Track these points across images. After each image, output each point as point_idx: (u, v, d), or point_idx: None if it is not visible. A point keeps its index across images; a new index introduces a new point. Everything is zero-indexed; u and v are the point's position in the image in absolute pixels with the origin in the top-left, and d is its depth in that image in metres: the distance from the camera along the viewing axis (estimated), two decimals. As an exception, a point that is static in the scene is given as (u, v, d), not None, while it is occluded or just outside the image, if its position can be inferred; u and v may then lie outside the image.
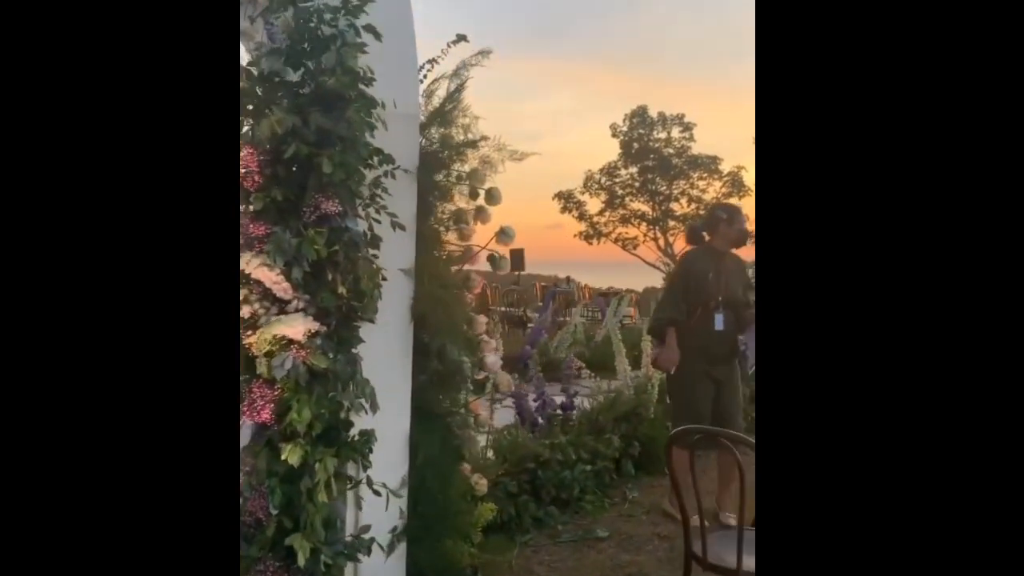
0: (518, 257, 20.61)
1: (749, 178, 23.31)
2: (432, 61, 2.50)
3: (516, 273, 20.35)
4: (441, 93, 2.57)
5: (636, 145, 24.87)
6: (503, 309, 11.49)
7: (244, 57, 1.98)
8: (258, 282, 1.77)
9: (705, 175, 25.05)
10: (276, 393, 1.72)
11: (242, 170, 1.74)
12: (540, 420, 3.69)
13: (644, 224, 25.45)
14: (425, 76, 2.51)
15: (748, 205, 16.50)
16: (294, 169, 1.81)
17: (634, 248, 25.68)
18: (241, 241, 1.77)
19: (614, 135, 24.89)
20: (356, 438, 1.87)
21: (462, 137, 2.61)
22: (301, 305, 1.79)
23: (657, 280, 26.55)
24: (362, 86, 1.85)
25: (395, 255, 2.14)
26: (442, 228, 2.66)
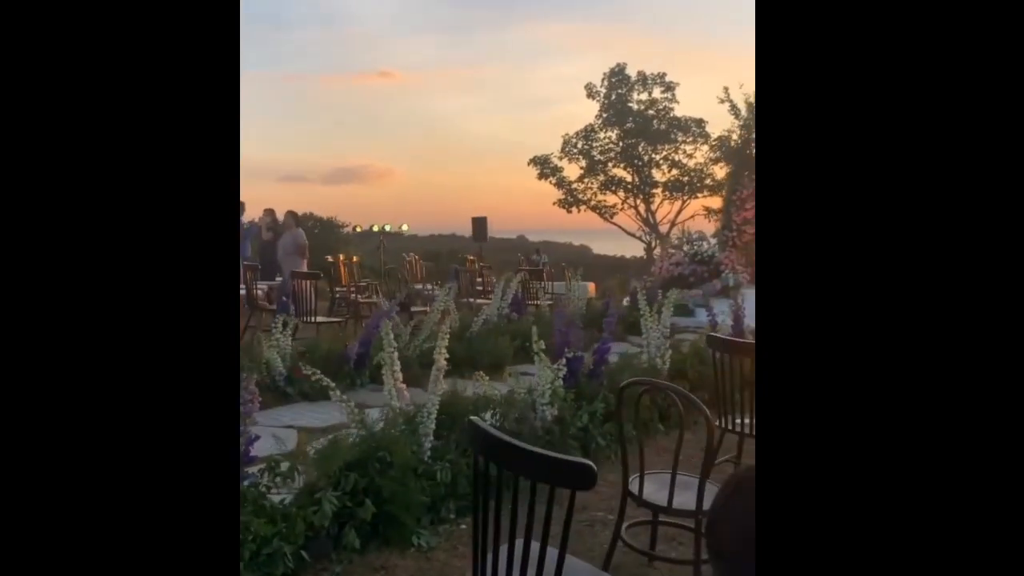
0: (481, 226, 19.48)
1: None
2: None
3: (479, 244, 19.18)
4: None
5: (617, 106, 23.35)
6: (419, 288, 10.20)
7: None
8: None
9: (691, 139, 23.54)
10: None
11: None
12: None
13: (622, 191, 24.03)
14: None
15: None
16: None
17: (611, 216, 24.30)
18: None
19: (590, 96, 23.35)
20: None
21: None
22: None
23: (637, 249, 25.28)
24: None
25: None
26: None
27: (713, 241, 11.72)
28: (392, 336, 3.46)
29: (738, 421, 3.38)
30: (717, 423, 3.49)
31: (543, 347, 3.89)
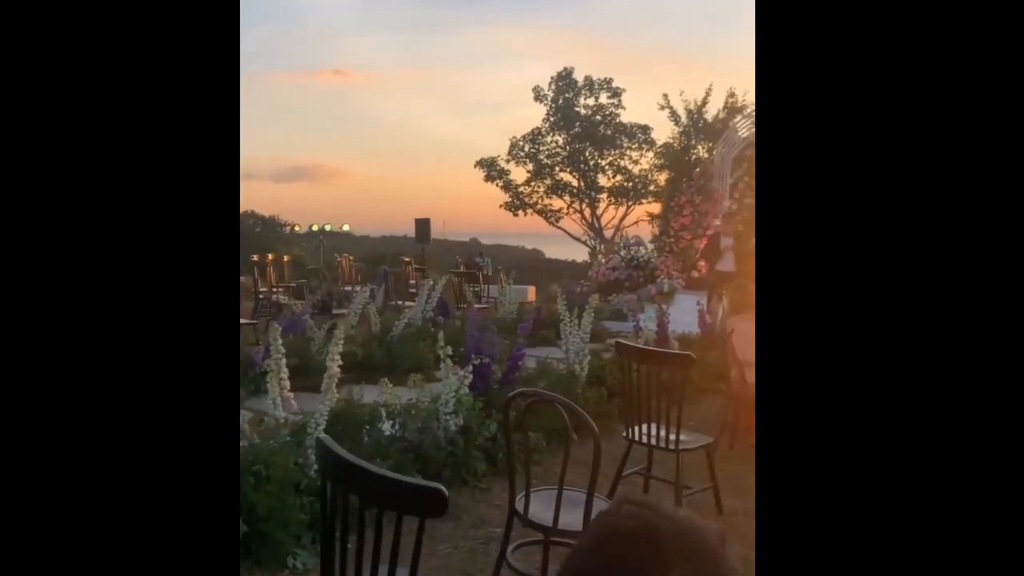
0: (423, 227, 19.19)
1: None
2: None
3: (422, 246, 18.89)
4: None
5: (564, 110, 23.36)
6: (348, 289, 9.87)
7: None
8: None
9: (636, 145, 23.70)
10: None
11: None
12: None
13: (568, 195, 24.05)
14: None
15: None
16: None
17: (557, 221, 24.29)
18: None
19: (537, 99, 23.31)
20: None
21: None
22: None
23: (582, 254, 25.35)
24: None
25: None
26: None
27: (651, 246, 11.74)
28: (280, 342, 3.23)
29: (646, 432, 3.25)
30: (625, 434, 3.35)
31: (449, 352, 3.70)
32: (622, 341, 3.20)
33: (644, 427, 3.27)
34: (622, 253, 11.12)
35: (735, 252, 9.42)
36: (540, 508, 2.38)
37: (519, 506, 2.38)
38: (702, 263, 11.30)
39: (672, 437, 3.16)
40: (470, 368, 3.63)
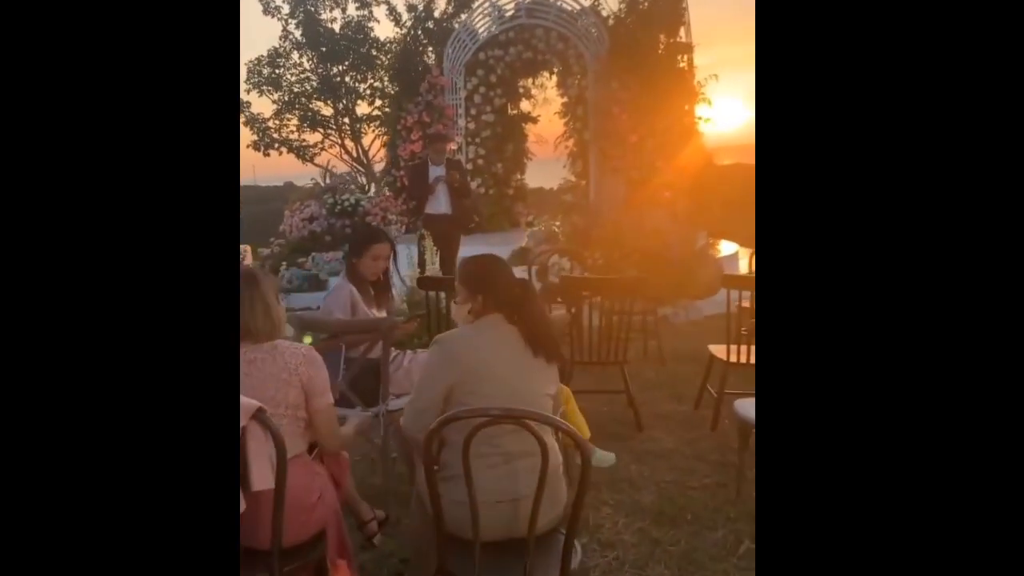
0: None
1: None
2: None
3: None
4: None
5: (307, 25, 19.65)
6: None
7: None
8: None
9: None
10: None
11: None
12: None
13: (323, 128, 20.65)
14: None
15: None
16: None
17: (312, 159, 20.86)
18: None
19: (267, 12, 19.37)
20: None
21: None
22: None
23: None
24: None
25: None
26: None
27: (373, 185, 9.18)
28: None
29: None
30: None
31: None
32: None
33: None
34: (326, 197, 8.39)
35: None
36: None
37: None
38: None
39: None
40: None
